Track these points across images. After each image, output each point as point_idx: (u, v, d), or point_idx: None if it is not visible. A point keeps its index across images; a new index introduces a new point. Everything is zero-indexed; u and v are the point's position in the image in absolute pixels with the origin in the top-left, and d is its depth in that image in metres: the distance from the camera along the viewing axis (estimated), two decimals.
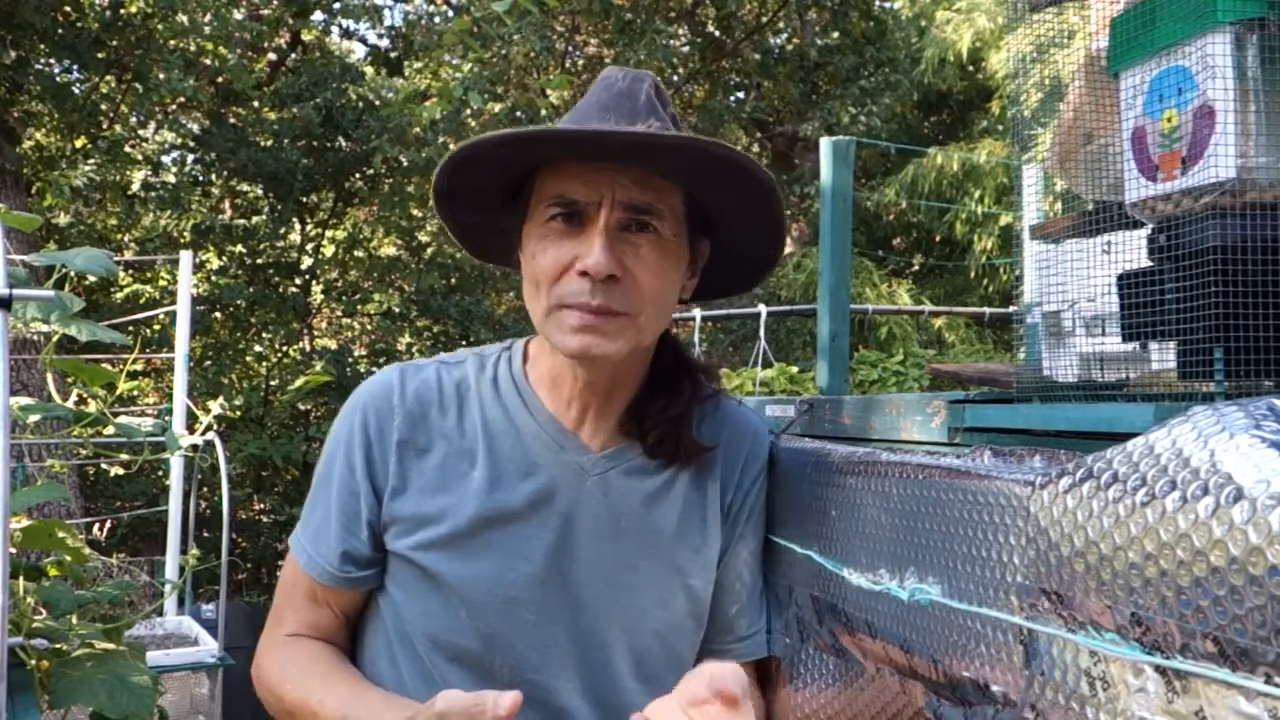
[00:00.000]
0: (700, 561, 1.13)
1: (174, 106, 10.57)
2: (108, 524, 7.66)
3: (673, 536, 1.11)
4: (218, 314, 11.69)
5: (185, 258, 4.17)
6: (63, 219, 10.31)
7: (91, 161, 9.54)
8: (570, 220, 1.00)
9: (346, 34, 13.18)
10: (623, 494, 1.10)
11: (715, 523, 1.15)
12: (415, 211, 11.47)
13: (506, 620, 1.05)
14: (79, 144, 9.91)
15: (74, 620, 1.91)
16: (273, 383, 10.94)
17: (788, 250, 12.99)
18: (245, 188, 11.69)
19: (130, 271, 11.36)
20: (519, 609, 1.05)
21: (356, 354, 11.60)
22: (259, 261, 11.92)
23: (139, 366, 9.35)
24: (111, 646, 1.87)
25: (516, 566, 1.05)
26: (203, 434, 3.47)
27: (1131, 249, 1.28)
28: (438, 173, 1.05)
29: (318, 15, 11.46)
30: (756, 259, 1.16)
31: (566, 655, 1.07)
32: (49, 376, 2.34)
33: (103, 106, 9.86)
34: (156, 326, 8.47)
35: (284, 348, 12.07)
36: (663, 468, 1.12)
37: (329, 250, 12.69)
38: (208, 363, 11.34)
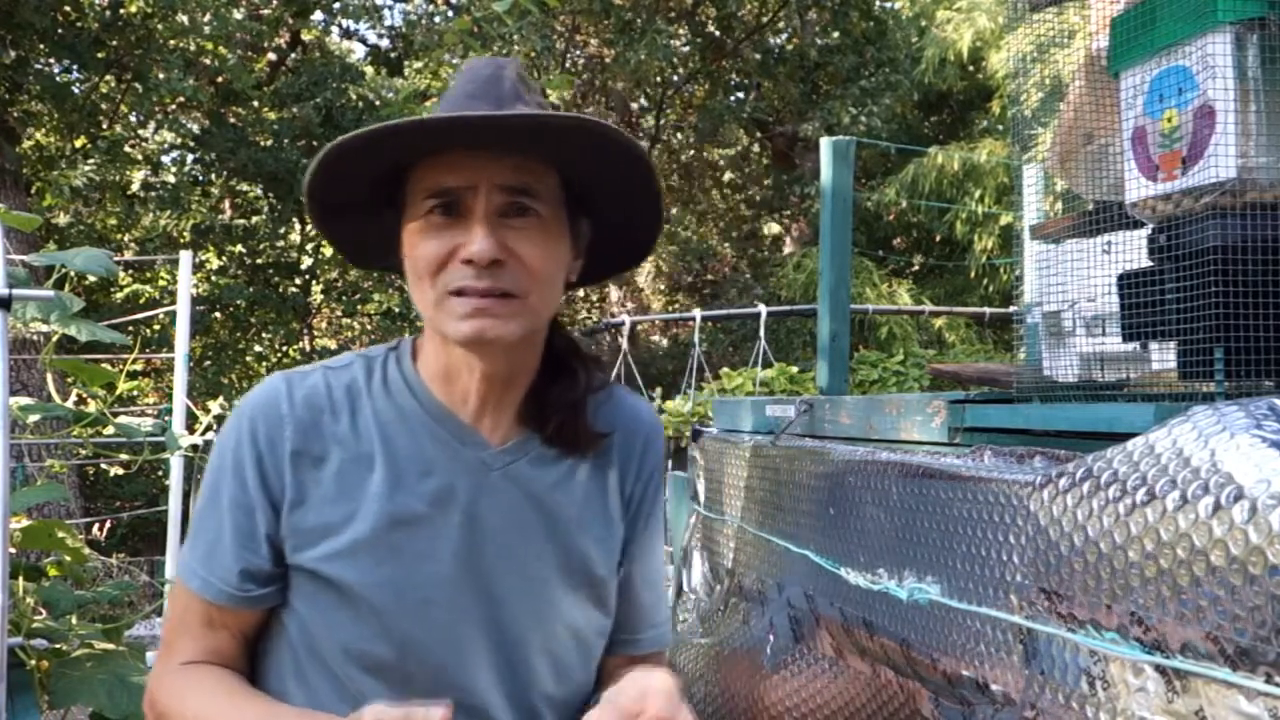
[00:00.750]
0: (605, 550, 1.12)
1: (174, 106, 10.57)
2: (108, 524, 7.66)
3: (577, 526, 1.10)
4: (218, 314, 11.69)
5: (185, 258, 4.17)
6: (63, 219, 10.31)
7: (91, 161, 9.54)
8: (449, 212, 0.99)
9: (346, 34, 13.19)
10: (527, 485, 1.08)
11: (617, 512, 1.15)
12: None
13: (420, 624, 1.03)
14: (79, 144, 9.92)
15: (74, 620, 1.91)
16: None
17: (787, 250, 13.04)
18: (245, 188, 11.69)
19: (130, 271, 11.36)
20: (432, 611, 1.03)
21: None
22: (259, 261, 11.93)
23: (139, 366, 9.34)
24: (111, 646, 1.87)
25: (425, 569, 1.03)
26: (203, 434, 3.47)
27: (1131, 249, 1.28)
28: (308, 179, 1.02)
29: (318, 15, 11.46)
30: (637, 234, 1.15)
31: (483, 654, 1.05)
32: (49, 376, 2.34)
33: (103, 106, 9.87)
34: (156, 326, 8.48)
35: (284, 348, 12.07)
36: (562, 457, 1.10)
37: (329, 250, 12.69)
38: (208, 363, 11.35)
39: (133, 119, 10.95)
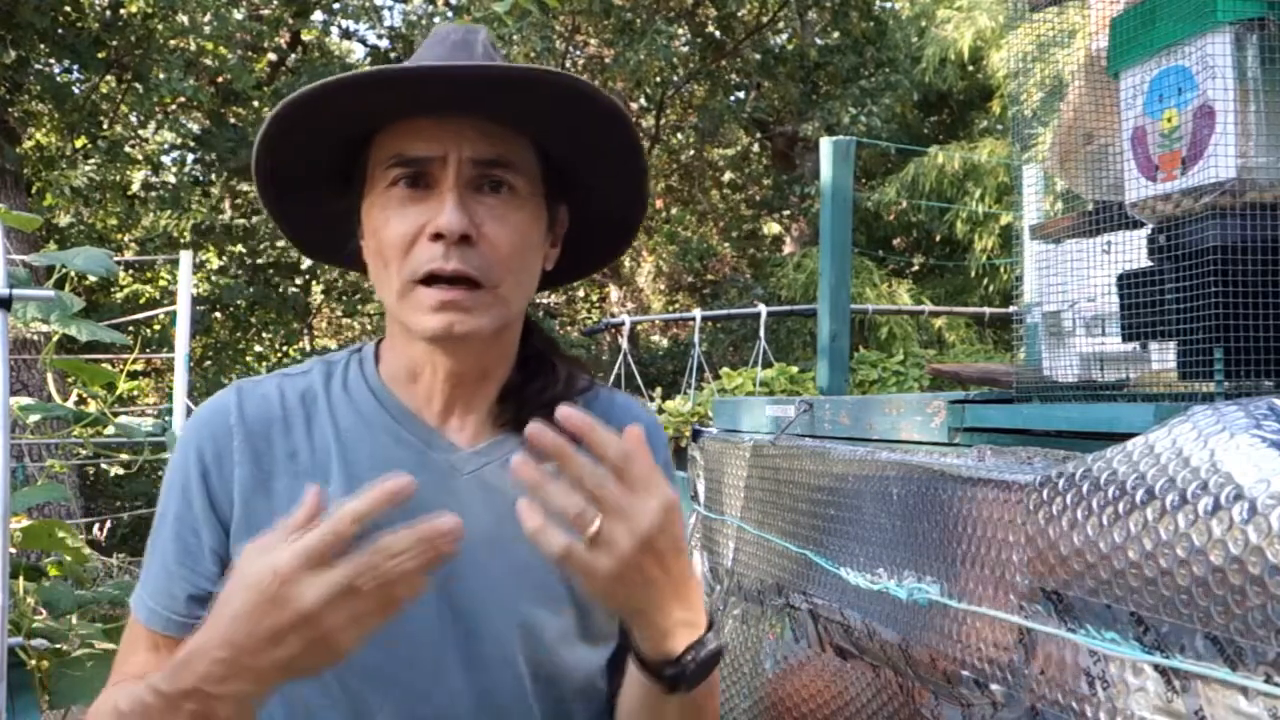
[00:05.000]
0: None
1: (174, 106, 10.57)
2: (108, 524, 7.66)
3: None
4: (218, 314, 11.70)
5: (185, 258, 4.16)
6: (63, 219, 10.32)
7: (91, 161, 9.55)
8: (415, 184, 0.90)
9: (346, 34, 13.19)
10: (502, 491, 0.95)
11: None
12: None
13: (384, 651, 0.90)
14: (79, 144, 9.92)
15: (74, 620, 1.91)
16: None
17: (787, 250, 13.04)
18: (245, 188, 11.69)
19: (130, 271, 11.37)
20: (397, 636, 0.89)
21: None
22: (259, 261, 11.94)
23: (139, 366, 9.34)
24: (111, 646, 1.87)
25: None
26: None
27: (1131, 249, 1.28)
28: (258, 143, 0.93)
29: (318, 15, 11.46)
30: (619, 220, 1.05)
31: (458, 677, 0.94)
32: (49, 376, 2.34)
33: (103, 106, 9.87)
34: (156, 326, 8.48)
35: (284, 348, 12.08)
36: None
37: None
38: (208, 363, 11.35)
39: (133, 119, 10.95)
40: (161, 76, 8.69)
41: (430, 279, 0.91)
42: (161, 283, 11.50)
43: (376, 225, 0.93)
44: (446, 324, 0.90)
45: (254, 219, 11.76)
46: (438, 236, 0.89)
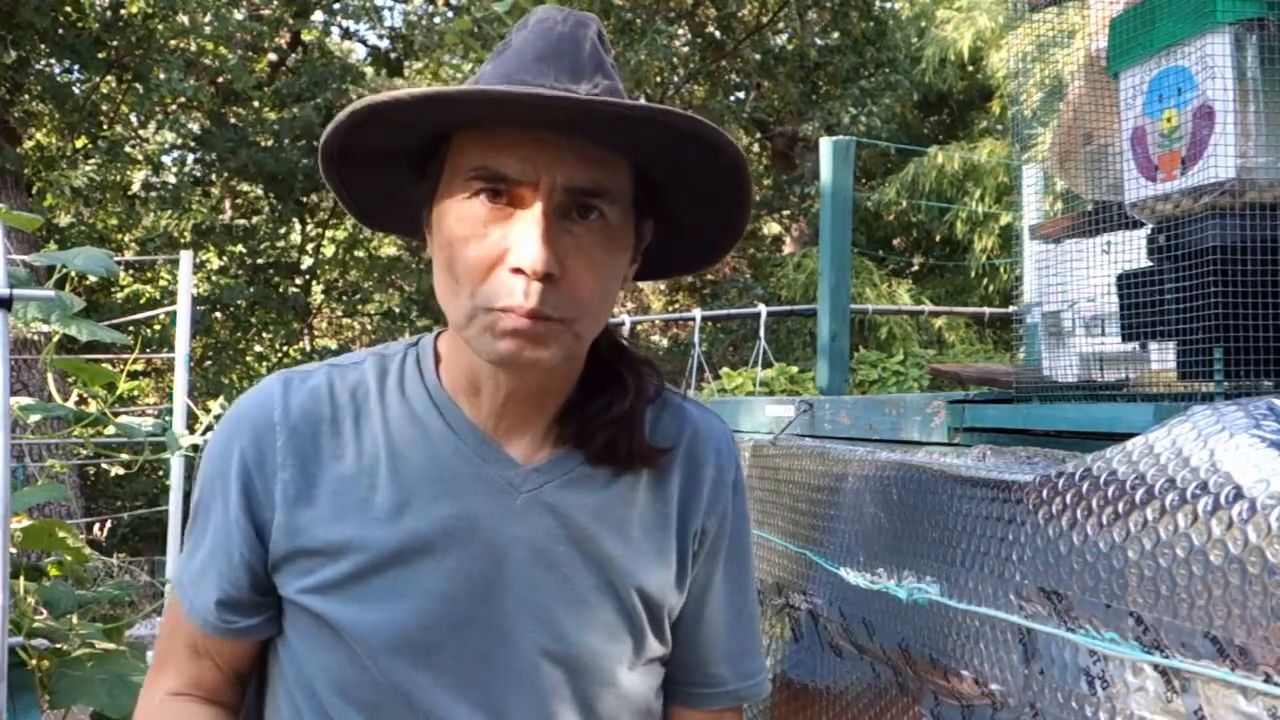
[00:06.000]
0: (655, 591, 0.95)
1: (174, 106, 10.58)
2: (108, 524, 7.66)
3: (620, 562, 0.93)
4: (218, 314, 11.69)
5: (185, 258, 4.16)
6: (63, 219, 10.32)
7: (92, 161, 9.55)
8: (497, 198, 0.83)
9: (346, 34, 13.19)
10: (562, 512, 0.91)
11: (671, 545, 0.97)
12: None
13: (424, 670, 0.88)
14: (79, 144, 9.92)
15: (74, 620, 1.91)
16: None
17: (787, 250, 13.03)
18: (245, 188, 11.70)
19: (130, 271, 11.37)
20: (439, 657, 0.88)
21: None
22: (259, 261, 11.94)
23: (139, 366, 9.34)
24: (112, 646, 1.87)
25: (434, 609, 0.88)
26: (203, 434, 3.47)
27: (1131, 249, 1.28)
28: (330, 131, 0.86)
29: (318, 15, 11.46)
30: (711, 241, 0.98)
31: (501, 707, 0.90)
32: (49, 376, 2.34)
33: (103, 106, 9.87)
34: (156, 326, 8.47)
35: (284, 348, 12.07)
36: (610, 481, 0.94)
37: (329, 250, 12.69)
38: (208, 363, 11.35)
39: (133, 119, 10.95)
40: (161, 76, 8.70)
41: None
42: (161, 283, 11.50)
43: (451, 237, 0.85)
44: (515, 351, 0.83)
45: (254, 219, 11.76)
46: (519, 270, 0.81)
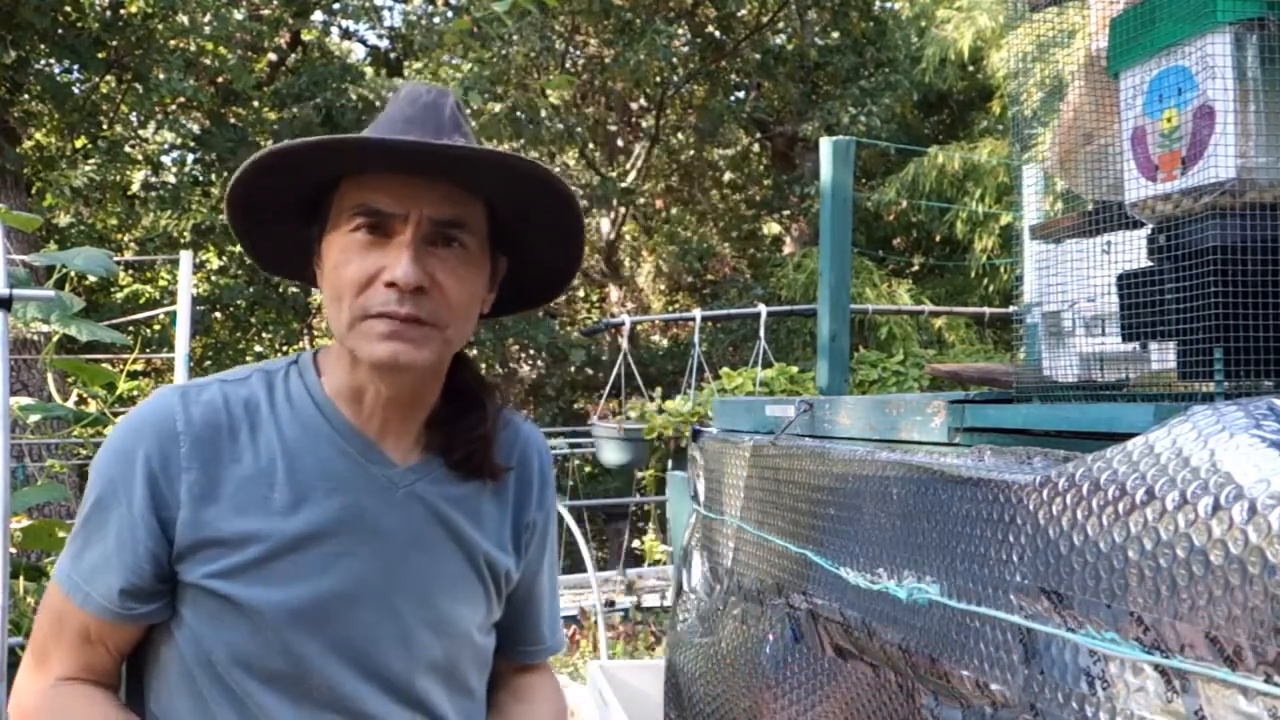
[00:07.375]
0: (500, 568, 1.15)
1: (174, 106, 10.58)
2: None
3: (476, 544, 1.13)
4: (218, 314, 11.70)
5: (185, 258, 4.16)
6: (63, 219, 10.32)
7: (91, 161, 9.55)
8: (375, 231, 1.00)
9: (346, 34, 13.19)
10: (431, 503, 1.10)
11: (508, 533, 1.18)
12: None
13: (318, 639, 1.03)
14: (79, 144, 9.92)
15: None
16: None
17: (787, 250, 13.04)
18: None
19: (130, 271, 11.37)
20: (330, 626, 1.04)
21: None
22: None
23: (139, 366, 9.34)
24: None
25: (328, 586, 1.03)
26: None
27: (1131, 249, 1.28)
28: (236, 180, 1.04)
29: (318, 15, 11.47)
30: (553, 273, 1.18)
31: (384, 668, 1.06)
32: (49, 376, 2.34)
33: (103, 106, 9.87)
34: (156, 326, 8.48)
35: (284, 348, 12.07)
36: (463, 480, 1.13)
37: None
38: (208, 363, 11.35)
39: (133, 119, 10.96)
40: (161, 76, 8.70)
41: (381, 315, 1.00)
42: (161, 283, 11.51)
43: (336, 262, 1.02)
44: (393, 353, 0.99)
45: None
46: (392, 284, 0.98)
